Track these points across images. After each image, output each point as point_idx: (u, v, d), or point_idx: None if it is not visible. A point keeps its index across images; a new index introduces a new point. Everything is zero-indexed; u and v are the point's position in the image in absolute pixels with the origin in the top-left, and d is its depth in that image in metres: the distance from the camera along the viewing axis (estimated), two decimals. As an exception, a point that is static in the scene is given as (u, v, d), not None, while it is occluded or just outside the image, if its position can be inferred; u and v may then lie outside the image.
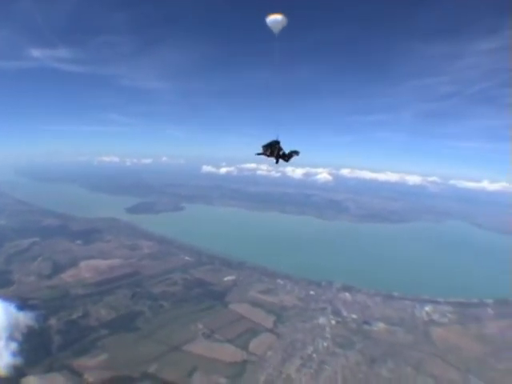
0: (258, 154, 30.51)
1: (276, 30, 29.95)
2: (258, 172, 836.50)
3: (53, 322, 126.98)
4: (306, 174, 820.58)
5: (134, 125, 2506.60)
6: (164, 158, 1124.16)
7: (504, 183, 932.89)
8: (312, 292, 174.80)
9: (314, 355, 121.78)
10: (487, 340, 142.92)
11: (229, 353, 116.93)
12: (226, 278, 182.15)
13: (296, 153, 30.84)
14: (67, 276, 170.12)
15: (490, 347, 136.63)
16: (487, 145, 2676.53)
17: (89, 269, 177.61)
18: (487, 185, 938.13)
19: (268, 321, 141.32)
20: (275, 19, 29.53)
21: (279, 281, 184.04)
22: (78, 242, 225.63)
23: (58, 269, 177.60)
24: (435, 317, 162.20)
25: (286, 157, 30.43)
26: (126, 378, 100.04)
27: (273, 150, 29.93)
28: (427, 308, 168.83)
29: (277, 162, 30.36)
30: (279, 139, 30.69)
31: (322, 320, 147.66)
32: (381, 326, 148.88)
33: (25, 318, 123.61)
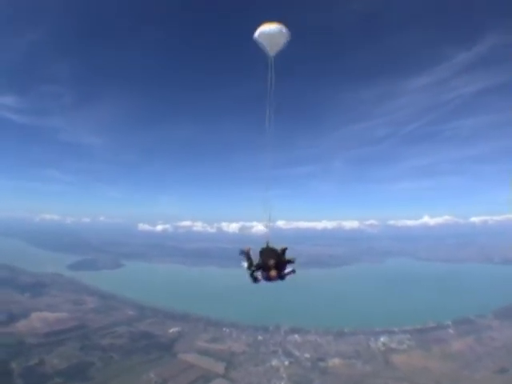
0: (255, 281, 21.50)
1: (273, 48, 20.53)
2: (194, 228, 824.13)
3: (14, 365, 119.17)
4: (242, 228, 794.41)
5: (73, 183, 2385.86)
6: (102, 218, 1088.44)
7: (446, 216, 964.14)
8: (260, 337, 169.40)
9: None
10: (455, 357, 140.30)
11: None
12: (171, 330, 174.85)
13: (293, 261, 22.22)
14: (21, 325, 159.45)
15: (460, 362, 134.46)
16: (424, 182, 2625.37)
17: (39, 320, 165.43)
18: (428, 220, 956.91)
19: (219, 367, 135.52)
20: (274, 30, 20.15)
21: (225, 329, 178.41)
22: (27, 294, 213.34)
23: (12, 318, 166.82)
24: (393, 345, 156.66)
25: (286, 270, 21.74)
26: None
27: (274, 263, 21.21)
28: (382, 339, 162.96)
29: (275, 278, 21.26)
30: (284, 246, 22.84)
31: (274, 362, 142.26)
32: (336, 361, 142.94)
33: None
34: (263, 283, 21.39)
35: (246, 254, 22.22)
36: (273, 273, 20.64)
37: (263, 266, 21.17)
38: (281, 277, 21.09)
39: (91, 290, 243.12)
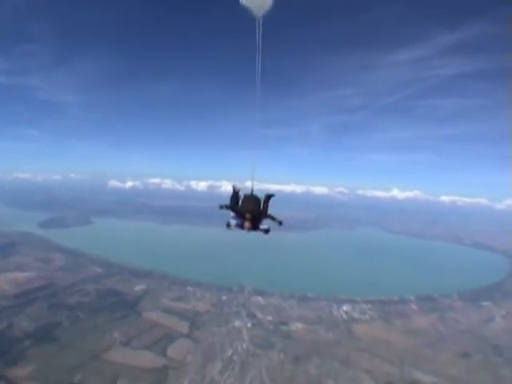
0: (228, 227, 20.21)
1: (259, 10, 19.61)
2: (163, 186, 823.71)
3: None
4: (211, 187, 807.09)
5: (50, 141, 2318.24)
6: (72, 175, 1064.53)
7: (416, 191, 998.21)
8: (224, 297, 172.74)
9: (235, 357, 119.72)
10: (418, 333, 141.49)
11: (148, 359, 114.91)
12: (136, 288, 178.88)
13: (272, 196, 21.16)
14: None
15: (422, 340, 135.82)
16: (396, 156, 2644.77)
17: (8, 281, 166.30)
18: (397, 193, 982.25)
19: (183, 327, 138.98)
20: None
21: (189, 288, 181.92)
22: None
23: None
24: (355, 315, 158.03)
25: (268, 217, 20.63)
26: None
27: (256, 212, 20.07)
28: (345, 307, 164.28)
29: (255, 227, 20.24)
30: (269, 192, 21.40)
31: (237, 323, 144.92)
32: (299, 325, 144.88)
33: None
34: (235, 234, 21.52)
35: (235, 194, 21.06)
36: (247, 224, 19.67)
37: (240, 213, 20.11)
38: (254, 229, 20.14)
39: (60, 248, 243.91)
